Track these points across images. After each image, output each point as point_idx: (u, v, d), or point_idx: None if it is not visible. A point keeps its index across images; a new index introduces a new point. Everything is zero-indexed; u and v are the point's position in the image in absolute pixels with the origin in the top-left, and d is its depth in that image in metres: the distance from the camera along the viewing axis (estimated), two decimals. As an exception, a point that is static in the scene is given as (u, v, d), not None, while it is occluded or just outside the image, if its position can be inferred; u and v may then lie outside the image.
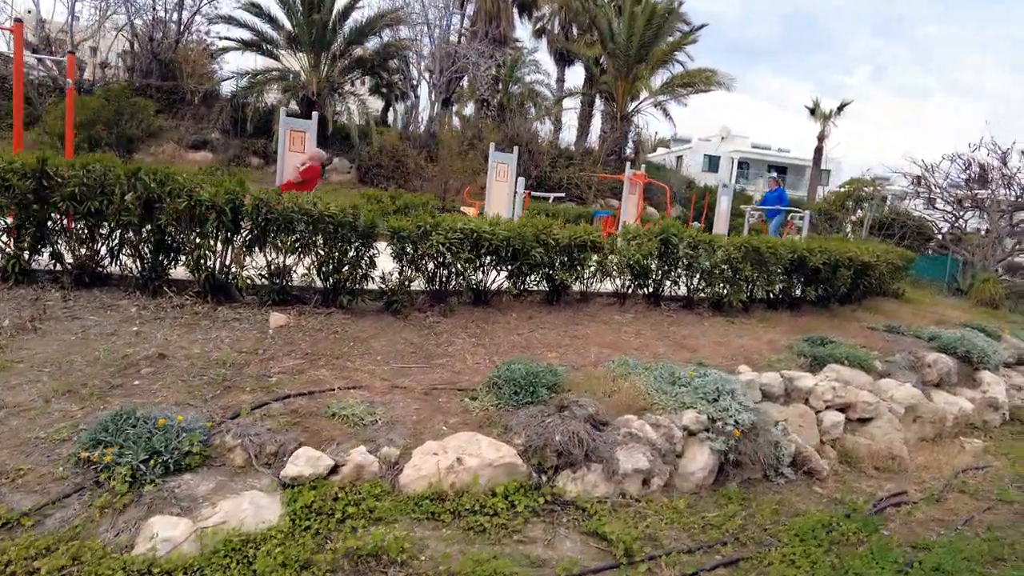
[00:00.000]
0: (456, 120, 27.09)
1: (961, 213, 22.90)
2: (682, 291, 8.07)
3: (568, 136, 31.95)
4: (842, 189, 27.36)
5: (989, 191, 21.45)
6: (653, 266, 7.66)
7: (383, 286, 6.07)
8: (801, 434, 5.22)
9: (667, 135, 49.13)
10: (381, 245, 6.03)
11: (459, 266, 6.16)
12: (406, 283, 6.12)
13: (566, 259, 7.11)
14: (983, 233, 20.89)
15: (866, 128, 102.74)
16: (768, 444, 4.58)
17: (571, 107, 31.67)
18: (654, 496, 3.92)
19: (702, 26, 23.72)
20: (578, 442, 3.77)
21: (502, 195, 10.19)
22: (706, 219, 17.38)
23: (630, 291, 7.87)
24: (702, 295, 8.10)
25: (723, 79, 22.57)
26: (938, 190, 23.17)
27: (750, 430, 4.44)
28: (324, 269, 5.82)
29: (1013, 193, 21.14)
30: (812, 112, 37.06)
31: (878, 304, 10.73)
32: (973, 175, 21.73)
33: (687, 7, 38.29)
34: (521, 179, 10.28)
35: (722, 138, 47.79)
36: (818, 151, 37.04)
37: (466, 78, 26.23)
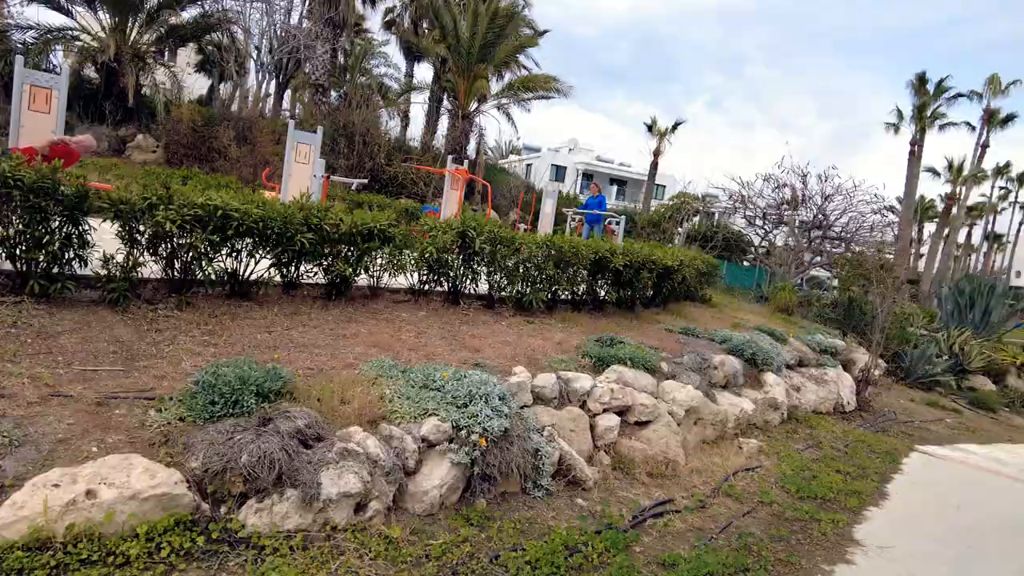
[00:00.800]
0: (286, 104, 25.28)
1: (770, 229, 25.07)
2: (485, 289, 7.61)
3: (417, 133, 31.14)
4: (670, 202, 29.08)
5: (792, 210, 23.67)
6: (450, 261, 7.11)
7: (104, 272, 4.93)
8: (573, 440, 4.85)
9: (519, 143, 49.92)
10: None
11: (202, 248, 5.16)
12: (131, 268, 5.02)
13: (349, 249, 6.34)
14: (785, 247, 22.86)
15: (703, 151, 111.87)
16: (525, 453, 4.11)
17: (420, 102, 30.92)
18: (371, 524, 3.26)
19: (545, 31, 24.19)
20: (269, 464, 3.01)
21: (302, 177, 9.21)
22: (533, 220, 17.37)
23: (427, 288, 7.26)
24: (504, 294, 7.69)
25: (563, 87, 23.04)
26: (753, 207, 25.14)
27: (502, 438, 3.94)
28: (14, 248, 4.61)
29: (810, 212, 23.49)
30: (650, 128, 39.21)
31: (683, 308, 11.03)
32: (786, 196, 23.82)
33: (536, 13, 39.04)
34: (322, 161, 9.35)
35: (569, 149, 49.36)
36: (654, 165, 39.24)
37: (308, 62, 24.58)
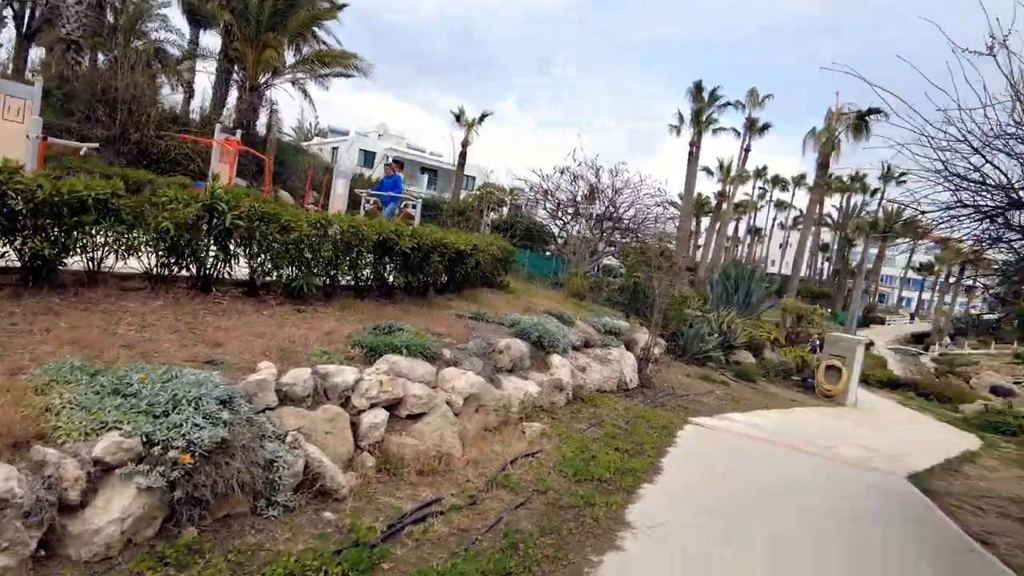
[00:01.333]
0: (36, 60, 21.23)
1: (568, 220, 26.22)
2: (245, 274, 6.61)
3: (202, 105, 27.93)
4: (477, 192, 29.35)
5: (588, 203, 24.94)
6: (197, 240, 6.02)
7: None
8: (328, 444, 4.20)
9: (325, 126, 47.34)
10: None
11: None
12: None
13: (54, 224, 5.05)
14: (580, 237, 23.99)
15: (513, 146, 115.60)
16: (254, 466, 3.39)
17: (207, 72, 27.73)
18: (-5, 588, 2.35)
19: (344, 5, 22.83)
20: None
21: (12, 138, 7.40)
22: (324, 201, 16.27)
23: (169, 273, 6.11)
24: (270, 280, 6.76)
25: (363, 65, 21.97)
26: (553, 199, 26.06)
27: (218, 451, 3.18)
28: None
29: (603, 204, 24.96)
30: (457, 118, 39.26)
31: (479, 294, 10.80)
32: (583, 191, 24.93)
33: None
34: (38, 120, 7.60)
35: (379, 135, 47.91)
36: (462, 156, 39.39)
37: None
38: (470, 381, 5.80)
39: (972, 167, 6.36)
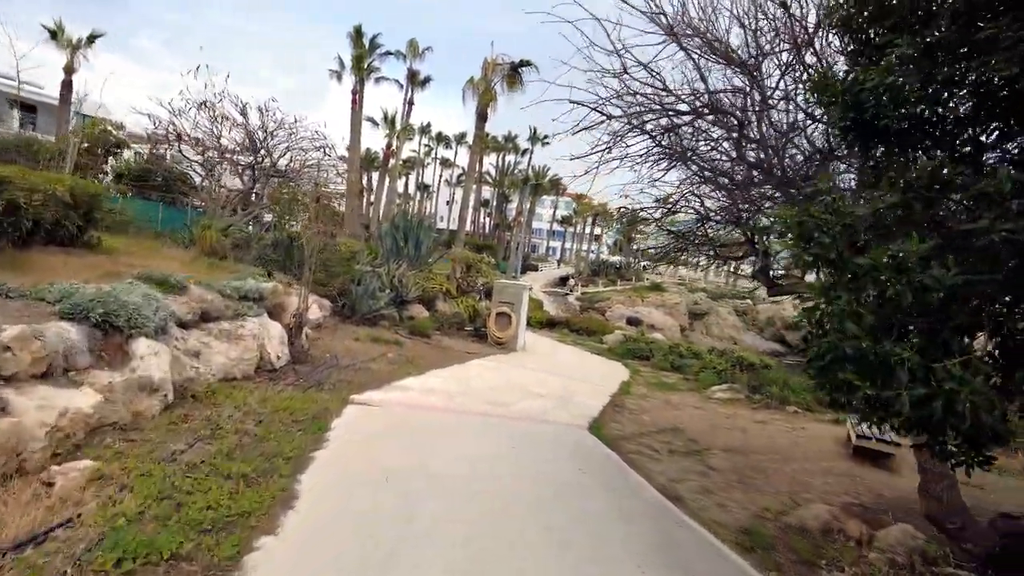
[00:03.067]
0: None
1: (213, 167, 21.94)
2: None
3: None
4: (84, 130, 22.78)
5: (241, 150, 21.06)
6: None
7: None
8: None
9: None
10: None
11: None
12: None
13: None
14: (221, 186, 20.21)
15: (161, 90, 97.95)
16: None
17: None
18: None
19: None
20: None
21: None
22: None
23: None
24: None
25: None
26: (191, 140, 21.43)
27: None
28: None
29: (255, 148, 21.35)
30: (54, 36, 30.37)
31: (47, 257, 7.26)
32: (228, 131, 20.83)
33: None
34: None
35: (-72, 52, 34.73)
36: (67, 85, 30.78)
37: None
38: None
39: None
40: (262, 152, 21.01)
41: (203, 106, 20.67)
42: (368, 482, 4.70)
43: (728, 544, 4.48)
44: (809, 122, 5.28)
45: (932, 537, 4.80)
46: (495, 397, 8.52)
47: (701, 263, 7.05)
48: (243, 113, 20.68)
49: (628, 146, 6.20)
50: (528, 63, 25.92)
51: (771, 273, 5.94)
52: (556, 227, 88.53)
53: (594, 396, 9.94)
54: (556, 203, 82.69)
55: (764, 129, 5.16)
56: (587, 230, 74.08)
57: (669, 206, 6.77)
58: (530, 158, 68.69)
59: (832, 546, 4.55)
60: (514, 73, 25.65)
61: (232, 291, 8.10)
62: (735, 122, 5.24)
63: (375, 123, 47.93)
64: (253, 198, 21.38)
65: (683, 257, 7.02)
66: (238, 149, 21.30)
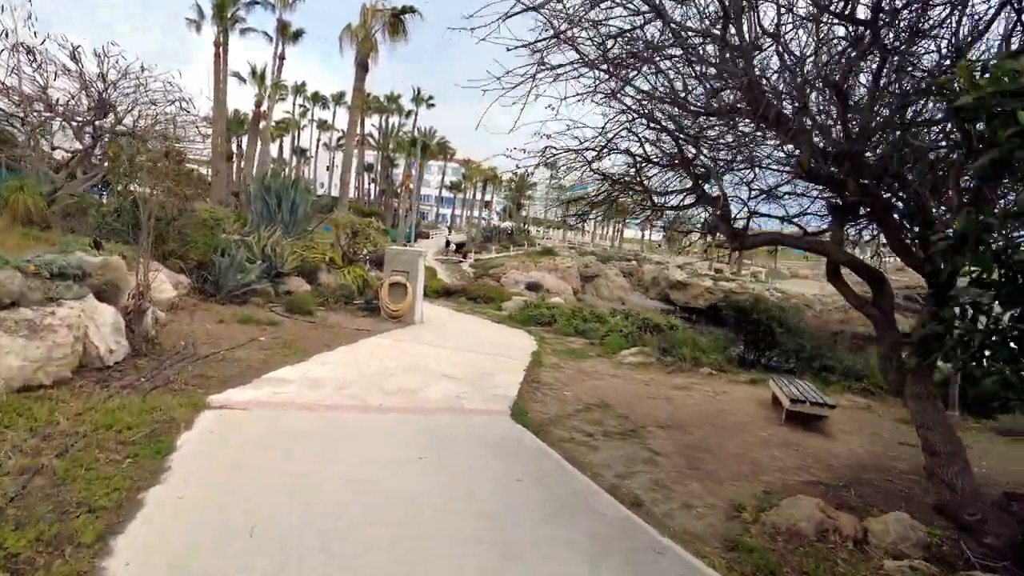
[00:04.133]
0: None
1: (38, 122, 18.39)
2: None
3: None
4: None
5: (76, 101, 17.67)
6: None
7: None
8: None
9: None
10: None
11: None
12: None
13: None
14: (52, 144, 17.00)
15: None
16: None
17: None
18: None
19: None
20: None
21: None
22: None
23: None
24: None
25: None
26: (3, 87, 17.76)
27: None
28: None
29: (92, 99, 18.07)
30: None
31: None
32: (53, 78, 17.37)
33: None
34: None
35: None
36: None
37: None
38: None
39: None
40: (103, 106, 17.80)
41: (16, 48, 17.12)
42: (223, 540, 3.24)
43: (722, 571, 3.48)
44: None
45: (931, 527, 4.09)
46: (397, 383, 7.15)
47: (636, 214, 6.02)
48: (74, 58, 17.35)
49: (554, 71, 4.94)
50: (412, 9, 23.88)
51: (732, 222, 5.01)
52: (445, 194, 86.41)
53: (507, 372, 8.82)
54: (444, 169, 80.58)
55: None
56: (477, 196, 72.66)
57: (596, 149, 5.63)
58: (415, 120, 65.99)
59: (838, 555, 3.70)
60: (396, 20, 23.53)
61: (41, 267, 6.11)
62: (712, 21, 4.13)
63: (242, 79, 43.57)
64: (96, 160, 18.19)
65: (617, 206, 5.95)
66: (73, 103, 17.94)
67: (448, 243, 50.74)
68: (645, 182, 5.74)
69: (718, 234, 5.30)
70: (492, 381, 7.99)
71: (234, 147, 55.95)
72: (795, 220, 5.66)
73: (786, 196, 5.63)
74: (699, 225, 6.03)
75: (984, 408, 9.44)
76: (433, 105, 68.61)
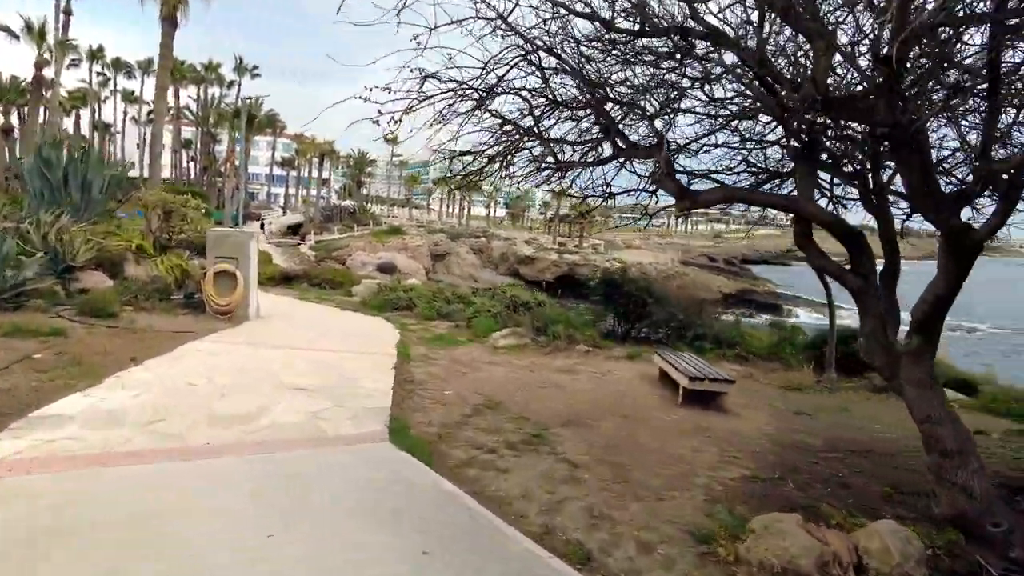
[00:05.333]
0: None
1: None
2: None
3: None
4: None
5: None
6: None
7: None
8: None
9: None
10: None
11: None
12: None
13: None
14: None
15: None
16: None
17: None
18: None
19: None
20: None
21: None
22: None
23: None
24: None
25: None
26: None
27: None
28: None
29: None
30: None
31: None
32: None
33: None
34: None
35: None
36: None
37: None
38: None
39: None
40: None
41: None
42: None
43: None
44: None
45: (914, 527, 3.42)
46: (230, 406, 5.44)
47: (532, 176, 4.84)
48: None
49: None
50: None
51: (679, 177, 3.99)
52: (277, 171, 79.92)
53: (373, 372, 7.38)
54: (275, 144, 74.39)
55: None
56: (313, 173, 67.83)
57: (483, 91, 4.36)
58: (239, 91, 59.80)
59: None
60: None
61: None
62: None
63: (14, 35, 36.27)
64: None
65: (507, 162, 4.71)
66: None
67: (263, 226, 46.21)
68: (543, 133, 4.57)
69: (656, 194, 4.30)
70: (357, 388, 6.52)
71: (13, 120, 47.01)
72: (715, 175, 4.82)
73: (706, 150, 4.76)
74: (601, 188, 5.00)
75: (854, 366, 9.61)
76: (258, 75, 62.74)
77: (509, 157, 4.63)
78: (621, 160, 4.21)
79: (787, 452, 5.80)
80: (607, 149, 4.31)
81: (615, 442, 5.59)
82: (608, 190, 4.64)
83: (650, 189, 4.37)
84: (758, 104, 3.80)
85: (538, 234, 72.98)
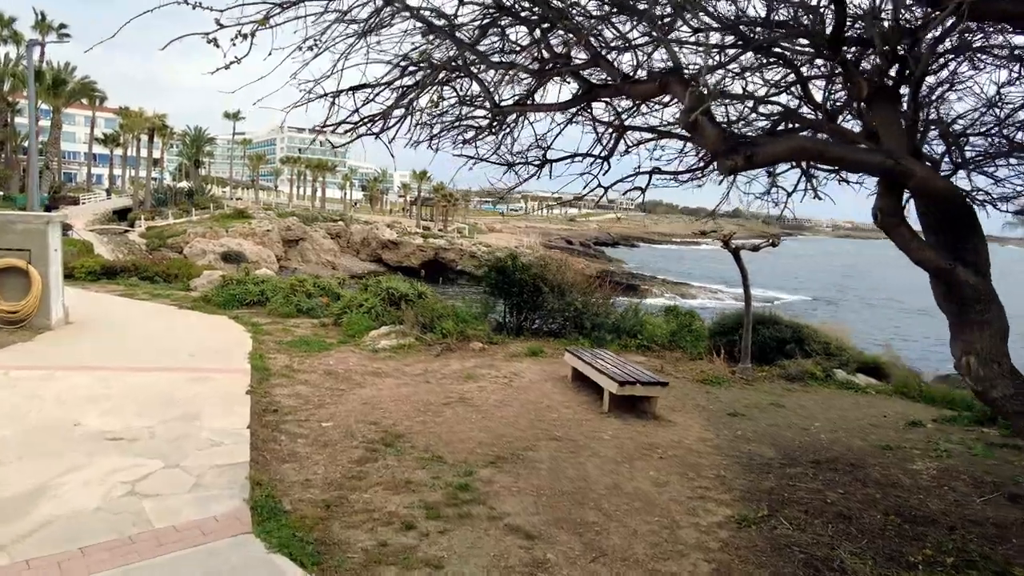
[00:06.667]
0: None
1: None
2: None
3: None
4: None
5: None
6: None
7: None
8: None
9: None
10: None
11: None
12: None
13: None
14: None
15: None
16: None
17: None
18: None
19: None
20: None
21: None
22: None
23: None
24: None
25: None
26: None
27: None
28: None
29: None
30: None
31: None
32: None
33: None
34: None
35: None
36: None
37: None
38: None
39: None
40: None
41: None
42: None
43: None
44: None
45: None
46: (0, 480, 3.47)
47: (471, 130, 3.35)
48: None
49: None
50: None
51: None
52: (100, 150, 69.88)
53: (221, 401, 5.53)
54: (93, 118, 64.86)
55: None
56: (142, 152, 59.84)
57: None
58: (42, 54, 50.99)
59: None
60: None
61: None
62: None
63: None
64: None
65: (435, 100, 3.20)
66: None
67: (48, 209, 39.98)
68: (473, 68, 3.11)
69: (687, 148, 2.96)
70: (199, 430, 4.68)
71: None
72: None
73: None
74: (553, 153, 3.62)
75: (766, 355, 9.11)
76: (67, 35, 53.88)
77: (424, 93, 3.11)
78: (607, 100, 2.88)
79: (750, 472, 4.86)
80: (574, 85, 2.93)
81: (562, 485, 4.31)
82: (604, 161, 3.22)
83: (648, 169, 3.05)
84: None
85: (400, 217, 70.15)
